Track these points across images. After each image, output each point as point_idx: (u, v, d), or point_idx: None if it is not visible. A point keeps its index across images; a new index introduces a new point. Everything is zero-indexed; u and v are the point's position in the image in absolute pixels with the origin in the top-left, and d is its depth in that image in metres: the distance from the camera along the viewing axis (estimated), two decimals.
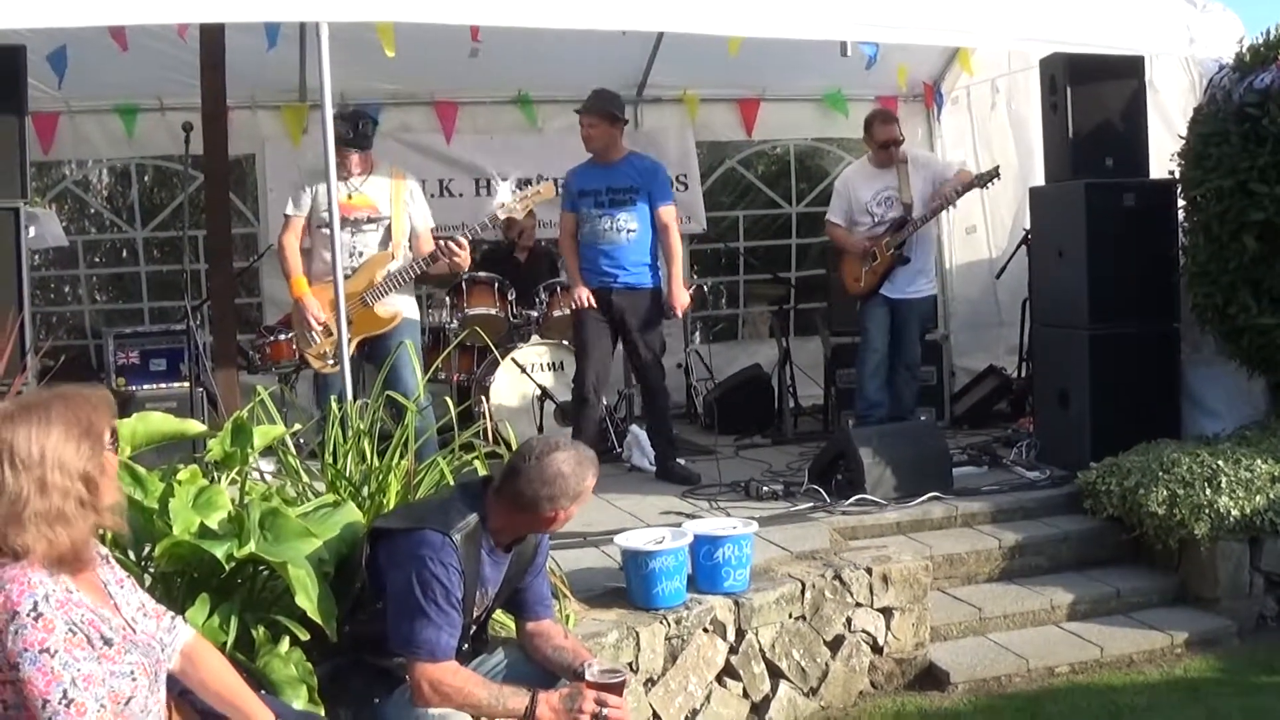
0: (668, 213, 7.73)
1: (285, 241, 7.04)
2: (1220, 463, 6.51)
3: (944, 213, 9.86)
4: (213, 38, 7.05)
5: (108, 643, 2.91)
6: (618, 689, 3.86)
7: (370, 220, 6.96)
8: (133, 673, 2.94)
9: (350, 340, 6.51)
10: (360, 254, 6.93)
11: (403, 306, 7.02)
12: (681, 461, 7.84)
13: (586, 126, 7.63)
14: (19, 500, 2.84)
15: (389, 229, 6.98)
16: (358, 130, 6.95)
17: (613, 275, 7.61)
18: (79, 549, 2.92)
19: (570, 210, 7.80)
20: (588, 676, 3.88)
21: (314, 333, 6.91)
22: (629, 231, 7.62)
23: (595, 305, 7.58)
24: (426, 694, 3.73)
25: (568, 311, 8.61)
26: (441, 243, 6.91)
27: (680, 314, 7.95)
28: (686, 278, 7.78)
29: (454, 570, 3.75)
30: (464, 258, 6.96)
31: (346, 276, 6.55)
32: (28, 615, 2.78)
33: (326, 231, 6.56)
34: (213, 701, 3.27)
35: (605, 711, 3.77)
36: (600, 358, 7.65)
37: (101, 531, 3.11)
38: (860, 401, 8.72)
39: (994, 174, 8.40)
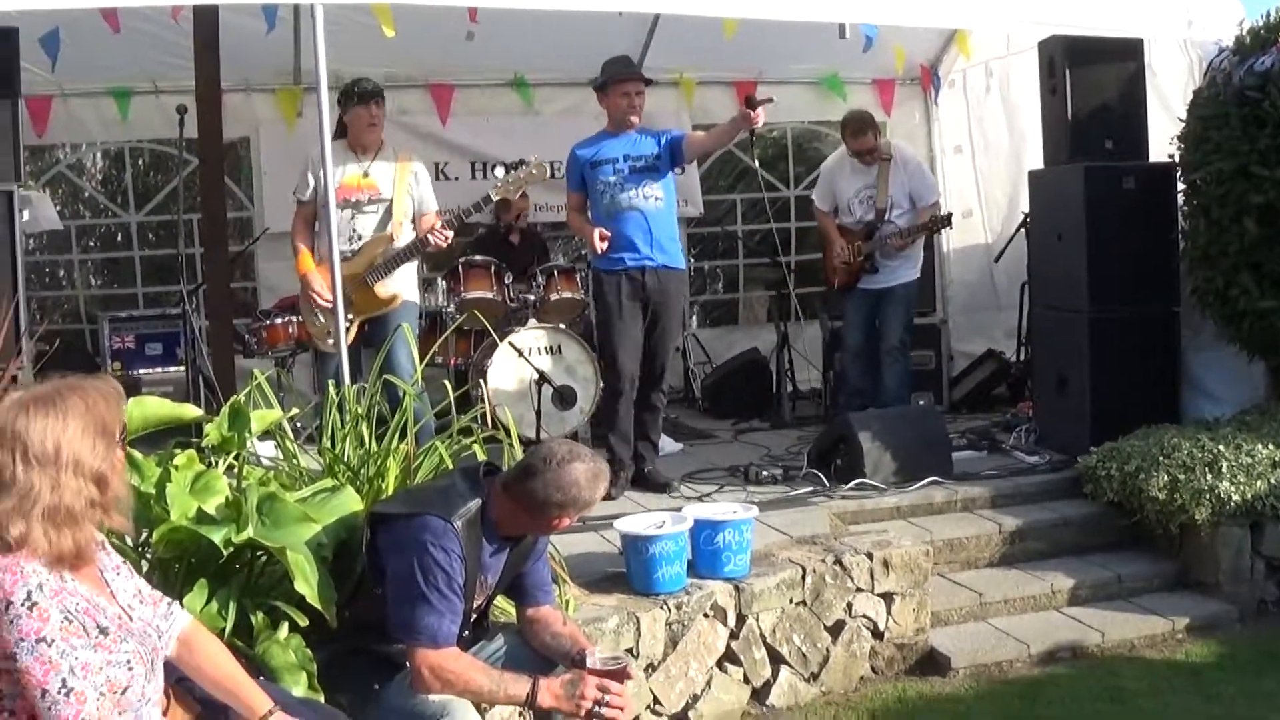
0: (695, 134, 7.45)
1: (295, 226, 7.09)
2: (1221, 447, 6.50)
3: (940, 197, 9.99)
4: (206, 20, 7.01)
5: (104, 632, 2.87)
6: (619, 675, 3.85)
7: (372, 201, 6.93)
8: (129, 662, 2.90)
9: (351, 321, 6.47)
10: (360, 236, 6.90)
11: (402, 289, 6.98)
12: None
13: (635, 95, 7.13)
14: (29, 497, 2.81)
15: (389, 210, 6.95)
16: (361, 90, 6.98)
17: (647, 254, 7.09)
18: (82, 549, 2.89)
19: (578, 189, 7.30)
20: (589, 664, 3.86)
21: (318, 311, 6.89)
22: (656, 200, 7.12)
23: (609, 244, 7.03)
24: (427, 680, 3.70)
25: (569, 295, 8.57)
26: (431, 228, 6.87)
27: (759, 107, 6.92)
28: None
29: (455, 556, 3.73)
30: (447, 239, 6.91)
31: (347, 258, 6.53)
32: (22, 605, 2.75)
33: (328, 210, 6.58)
34: (210, 688, 3.24)
35: (607, 698, 3.75)
36: (635, 346, 7.16)
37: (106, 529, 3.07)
38: (844, 388, 8.95)
39: (946, 220, 8.67)
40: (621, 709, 3.80)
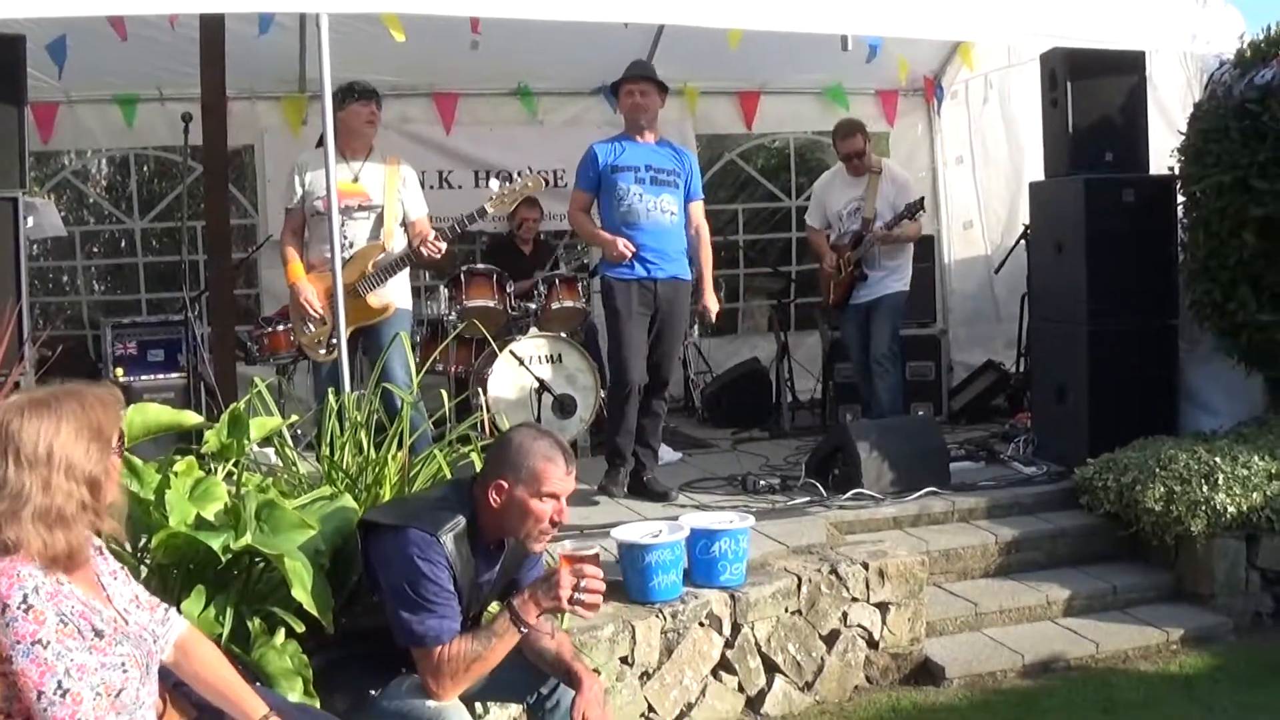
0: (701, 209, 7.43)
1: (284, 236, 7.07)
2: (1217, 459, 6.51)
3: (941, 208, 10.05)
4: (213, 29, 7.05)
5: (99, 634, 2.90)
6: (593, 559, 3.83)
7: (362, 208, 6.91)
8: (124, 664, 2.93)
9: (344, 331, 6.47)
10: (351, 243, 6.86)
11: (395, 297, 6.98)
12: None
13: (638, 95, 7.17)
14: (20, 497, 2.84)
15: (380, 216, 6.95)
16: (361, 87, 7.00)
17: (657, 264, 7.09)
18: (74, 551, 2.91)
19: (588, 189, 7.26)
20: (561, 553, 3.84)
21: (308, 321, 6.89)
22: (671, 215, 7.14)
23: (633, 252, 7.02)
24: (439, 683, 3.70)
25: (570, 304, 8.60)
26: (426, 237, 6.88)
27: (714, 318, 7.56)
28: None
29: (441, 566, 3.71)
30: (440, 251, 6.91)
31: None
32: (18, 608, 2.78)
33: (319, 218, 6.61)
34: (206, 694, 3.27)
35: (584, 582, 3.75)
36: (643, 354, 7.13)
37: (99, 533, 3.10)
38: (863, 403, 8.96)
39: (919, 205, 8.54)
40: (600, 591, 3.79)
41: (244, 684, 3.34)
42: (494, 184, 7.31)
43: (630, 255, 7.01)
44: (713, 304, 7.39)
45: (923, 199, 8.58)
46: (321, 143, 6.31)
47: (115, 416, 3.06)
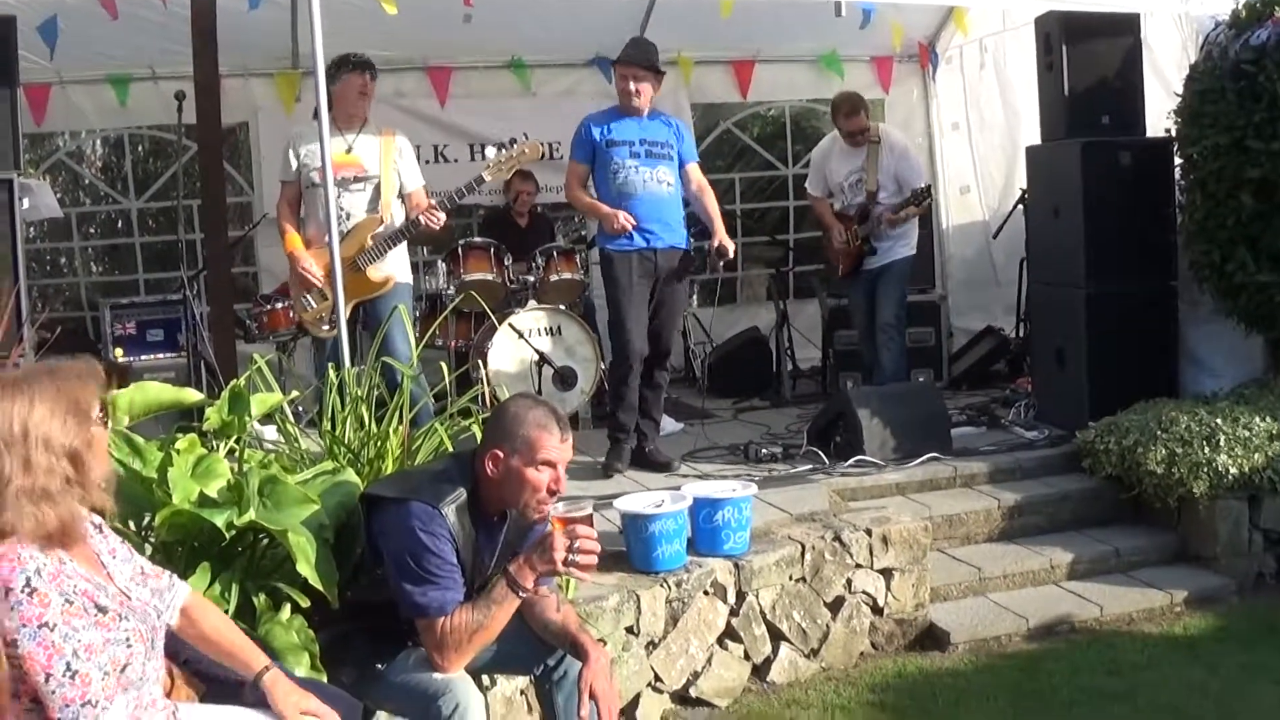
0: (697, 169, 7.40)
1: (280, 209, 7.06)
2: (1219, 421, 6.51)
3: (938, 174, 10.00)
4: (204, 7, 7.01)
5: (102, 610, 2.90)
6: (586, 520, 3.83)
7: (358, 179, 6.90)
8: (129, 639, 2.93)
9: (344, 305, 6.47)
10: (348, 215, 6.86)
11: (395, 270, 6.98)
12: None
13: (630, 81, 7.07)
14: (3, 479, 2.83)
15: (377, 188, 6.94)
16: (356, 58, 6.98)
17: (656, 234, 7.06)
18: (67, 525, 2.90)
19: (586, 161, 7.20)
20: (554, 515, 3.84)
21: (309, 296, 6.88)
22: (668, 185, 7.13)
23: (634, 225, 6.99)
24: (440, 657, 3.73)
25: (568, 276, 8.58)
26: (424, 208, 6.87)
27: (730, 254, 7.43)
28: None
29: (444, 539, 3.73)
30: (440, 221, 6.91)
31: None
32: (21, 591, 2.78)
33: (314, 190, 6.57)
34: (214, 654, 3.31)
35: (577, 544, 3.74)
36: (645, 325, 7.11)
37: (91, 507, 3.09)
38: (865, 370, 8.95)
39: (926, 193, 8.45)
40: (594, 551, 3.78)
41: (249, 641, 3.38)
42: (490, 151, 7.29)
43: (631, 228, 6.98)
44: (727, 242, 7.30)
45: (929, 186, 8.54)
46: (317, 115, 6.28)
47: (92, 388, 3.05)
